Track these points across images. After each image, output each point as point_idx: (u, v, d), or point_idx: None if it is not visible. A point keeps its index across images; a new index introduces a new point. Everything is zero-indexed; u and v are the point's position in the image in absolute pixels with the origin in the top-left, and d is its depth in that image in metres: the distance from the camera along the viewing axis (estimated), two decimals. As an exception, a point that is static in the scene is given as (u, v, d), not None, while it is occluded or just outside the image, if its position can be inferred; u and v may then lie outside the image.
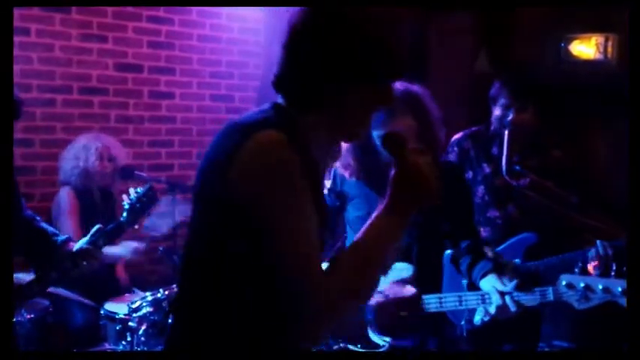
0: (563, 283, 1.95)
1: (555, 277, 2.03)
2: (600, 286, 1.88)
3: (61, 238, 2.28)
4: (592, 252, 2.53)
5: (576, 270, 2.04)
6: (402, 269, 2.20)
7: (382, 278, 2.21)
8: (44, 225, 2.35)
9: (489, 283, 2.16)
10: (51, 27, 4.14)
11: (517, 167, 2.70)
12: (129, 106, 4.53)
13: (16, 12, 3.98)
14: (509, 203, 2.91)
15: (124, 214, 2.25)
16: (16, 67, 4.02)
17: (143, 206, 2.28)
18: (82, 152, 3.65)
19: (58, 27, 4.17)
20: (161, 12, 4.58)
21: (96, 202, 3.71)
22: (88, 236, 2.23)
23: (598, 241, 2.56)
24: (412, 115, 2.18)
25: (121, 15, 4.41)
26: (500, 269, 2.26)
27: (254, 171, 1.19)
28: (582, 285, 1.90)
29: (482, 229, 2.93)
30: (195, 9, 4.72)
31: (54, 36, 4.16)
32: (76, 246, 2.21)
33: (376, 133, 2.16)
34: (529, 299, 2.07)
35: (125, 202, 2.26)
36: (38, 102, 4.14)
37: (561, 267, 2.71)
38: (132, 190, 2.30)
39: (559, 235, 2.87)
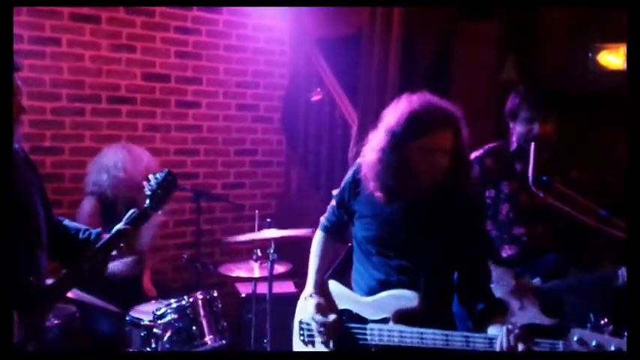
0: (575, 338, 1.82)
1: (575, 297, 1.94)
2: (613, 347, 1.81)
3: (95, 231, 2.30)
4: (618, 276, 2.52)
5: (588, 325, 1.92)
6: (407, 298, 2.12)
7: (387, 307, 2.16)
8: (72, 224, 2.38)
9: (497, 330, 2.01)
10: (81, 37, 4.21)
11: (544, 178, 2.63)
12: (156, 115, 4.58)
13: (47, 23, 4.07)
14: (534, 219, 2.84)
15: (147, 201, 2.26)
16: (47, 77, 4.11)
17: (164, 191, 2.28)
18: (129, 164, 3.64)
19: (88, 37, 4.25)
20: (189, 23, 4.64)
21: (119, 211, 3.76)
22: (124, 219, 2.24)
23: (620, 271, 2.53)
24: (452, 133, 2.10)
25: (149, 26, 4.48)
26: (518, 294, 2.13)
27: None
28: (594, 344, 1.81)
29: (507, 247, 2.87)
30: (221, 20, 4.78)
31: (84, 46, 4.23)
32: (110, 233, 2.22)
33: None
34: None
35: (147, 189, 2.27)
36: (68, 111, 4.22)
37: (582, 287, 2.66)
38: (151, 177, 2.30)
39: (583, 251, 2.82)
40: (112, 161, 3.66)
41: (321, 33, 5.04)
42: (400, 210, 2.17)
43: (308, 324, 2.34)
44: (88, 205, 3.69)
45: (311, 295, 2.34)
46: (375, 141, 2.17)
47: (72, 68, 4.21)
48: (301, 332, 2.39)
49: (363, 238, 2.26)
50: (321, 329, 2.26)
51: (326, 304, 2.30)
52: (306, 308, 2.33)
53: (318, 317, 2.26)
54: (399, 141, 2.09)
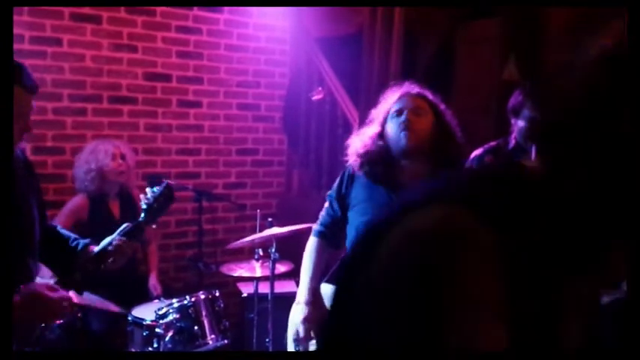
0: None
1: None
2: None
3: (83, 242, 2.30)
4: None
5: None
6: None
7: None
8: (64, 232, 2.37)
9: None
10: (82, 37, 4.22)
11: None
12: (157, 115, 4.59)
13: (48, 23, 4.07)
14: None
15: (142, 215, 2.26)
16: (48, 77, 4.11)
17: (160, 205, 2.28)
18: (91, 155, 3.73)
19: (90, 37, 4.25)
20: (190, 22, 4.64)
21: (113, 209, 3.77)
22: (115, 234, 2.24)
23: None
24: (426, 102, 2.29)
25: (150, 25, 4.48)
26: None
27: None
28: None
29: None
30: (222, 19, 4.77)
31: (85, 46, 4.24)
32: (100, 245, 2.21)
33: (396, 131, 2.24)
34: None
35: (143, 202, 2.27)
36: (69, 111, 4.22)
37: None
38: (148, 190, 2.30)
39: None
40: (91, 154, 3.74)
41: (322, 32, 5.04)
42: (395, 192, 2.22)
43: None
44: (73, 201, 3.76)
45: (301, 303, 2.37)
46: (362, 129, 2.39)
47: (73, 68, 4.21)
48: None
49: (362, 224, 2.27)
50: (297, 344, 2.32)
51: (313, 315, 2.33)
52: (295, 315, 2.37)
53: (295, 331, 2.33)
54: (381, 119, 2.32)
